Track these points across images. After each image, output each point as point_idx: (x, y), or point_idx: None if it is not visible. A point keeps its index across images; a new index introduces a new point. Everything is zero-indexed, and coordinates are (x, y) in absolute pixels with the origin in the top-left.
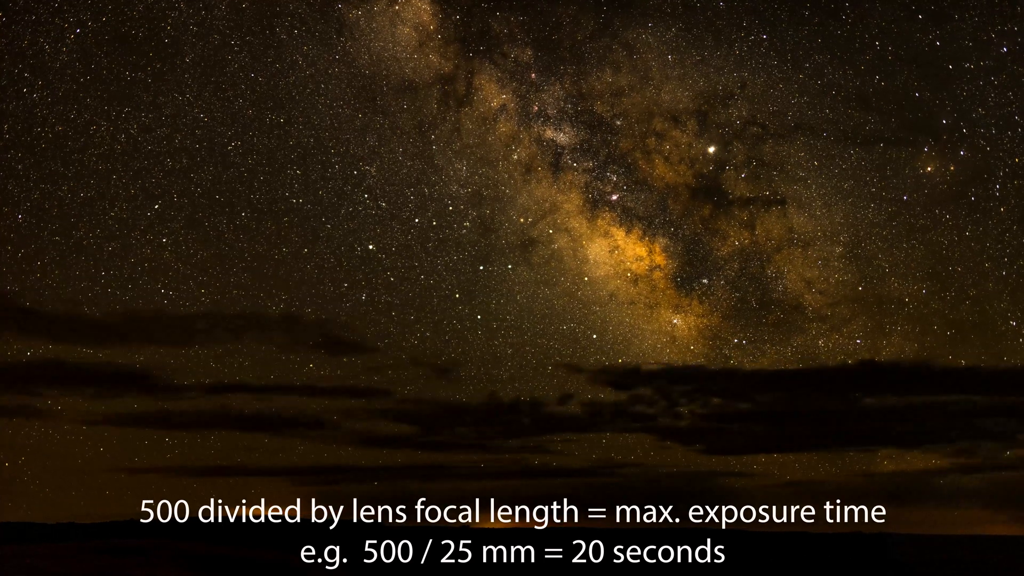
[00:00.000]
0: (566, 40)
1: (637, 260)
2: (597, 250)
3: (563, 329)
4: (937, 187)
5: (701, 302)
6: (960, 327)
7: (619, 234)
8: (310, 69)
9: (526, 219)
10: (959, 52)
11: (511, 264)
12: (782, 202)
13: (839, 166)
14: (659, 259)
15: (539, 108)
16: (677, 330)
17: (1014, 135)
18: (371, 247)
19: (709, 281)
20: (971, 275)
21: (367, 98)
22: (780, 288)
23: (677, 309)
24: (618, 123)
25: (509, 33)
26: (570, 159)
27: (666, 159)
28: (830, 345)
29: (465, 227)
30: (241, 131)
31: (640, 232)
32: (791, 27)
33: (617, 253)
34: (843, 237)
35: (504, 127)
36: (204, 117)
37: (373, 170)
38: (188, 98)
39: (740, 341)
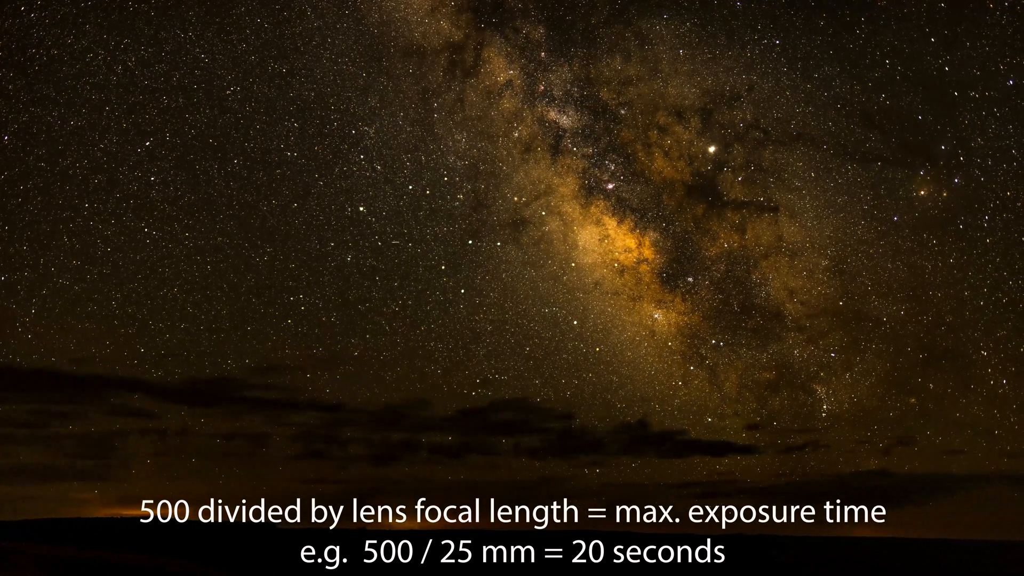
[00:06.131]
0: (580, 22)
1: (626, 251)
2: (587, 237)
3: (545, 312)
4: (928, 211)
5: (684, 300)
6: (932, 351)
7: (611, 223)
8: (318, 21)
9: (520, 198)
10: (966, 80)
11: (500, 242)
12: (775, 209)
13: (835, 180)
14: (647, 252)
15: (545, 88)
16: (657, 325)
17: (1009, 168)
18: (361, 209)
19: (694, 280)
20: (950, 302)
21: (373, 57)
22: (763, 294)
23: (659, 304)
24: (622, 112)
25: (523, 8)
26: (570, 143)
27: (666, 154)
28: (804, 356)
29: (458, 200)
30: (241, 76)
31: (632, 224)
32: (805, 35)
33: (607, 242)
34: (830, 251)
35: (508, 103)
36: (205, 58)
37: (372, 131)
38: (190, 36)
39: (717, 343)
